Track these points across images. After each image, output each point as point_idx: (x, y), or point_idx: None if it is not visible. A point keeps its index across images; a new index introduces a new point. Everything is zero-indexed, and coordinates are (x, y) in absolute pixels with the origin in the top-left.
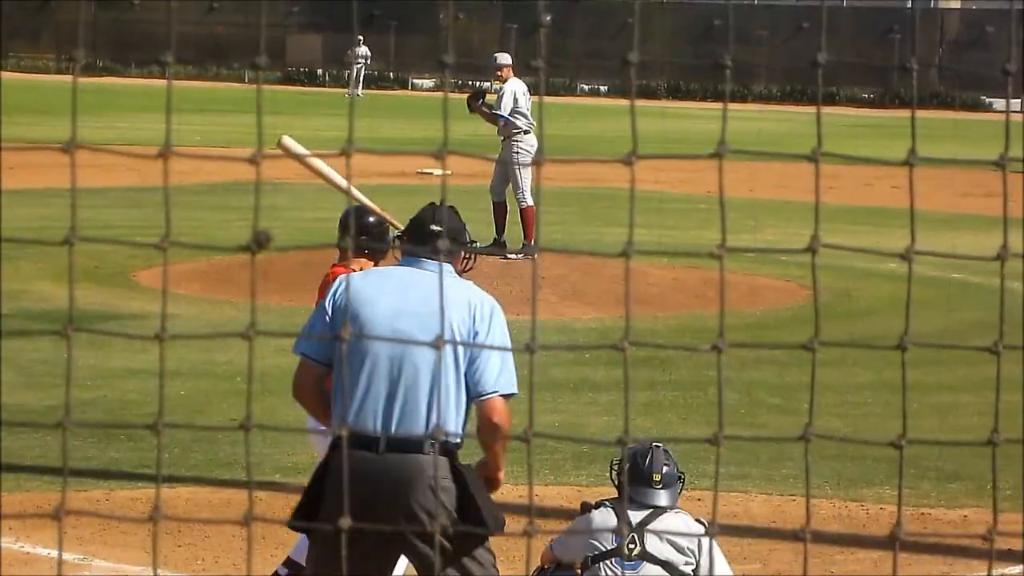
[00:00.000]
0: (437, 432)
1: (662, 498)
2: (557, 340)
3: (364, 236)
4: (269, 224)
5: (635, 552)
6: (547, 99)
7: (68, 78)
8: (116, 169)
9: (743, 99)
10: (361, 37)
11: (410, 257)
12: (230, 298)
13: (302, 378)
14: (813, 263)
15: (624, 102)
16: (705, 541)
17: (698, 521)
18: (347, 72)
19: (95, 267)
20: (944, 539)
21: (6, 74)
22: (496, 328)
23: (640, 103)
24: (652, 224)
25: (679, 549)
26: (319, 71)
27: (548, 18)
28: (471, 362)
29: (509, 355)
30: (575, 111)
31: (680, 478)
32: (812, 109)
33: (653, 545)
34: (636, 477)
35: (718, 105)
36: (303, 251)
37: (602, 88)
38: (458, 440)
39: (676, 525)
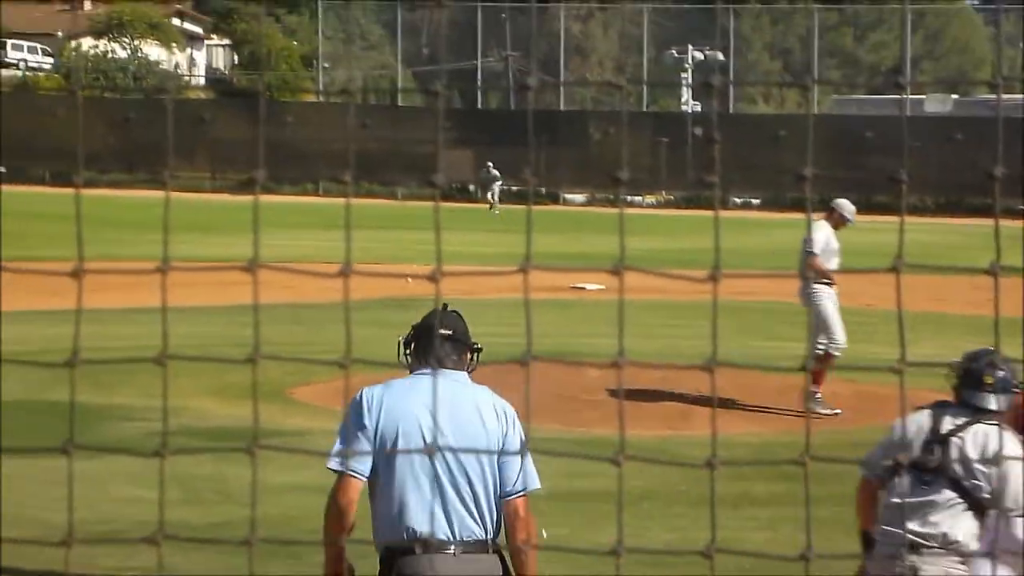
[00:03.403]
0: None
1: (991, 402)
2: (719, 455)
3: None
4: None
5: (932, 463)
6: (699, 212)
7: (224, 196)
8: (271, 286)
9: (896, 210)
10: (491, 163)
11: (428, 366)
12: None
13: (351, 493)
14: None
15: (777, 215)
16: (1011, 465)
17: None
18: (486, 190)
19: (252, 384)
20: None
21: (159, 193)
22: (518, 429)
23: (792, 215)
24: (806, 337)
25: (972, 468)
26: (471, 186)
27: (697, 132)
28: (502, 466)
29: (528, 454)
30: (726, 225)
31: (1017, 387)
32: (965, 221)
33: (956, 454)
34: (967, 378)
35: (871, 217)
36: None
37: (754, 201)
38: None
39: (991, 435)
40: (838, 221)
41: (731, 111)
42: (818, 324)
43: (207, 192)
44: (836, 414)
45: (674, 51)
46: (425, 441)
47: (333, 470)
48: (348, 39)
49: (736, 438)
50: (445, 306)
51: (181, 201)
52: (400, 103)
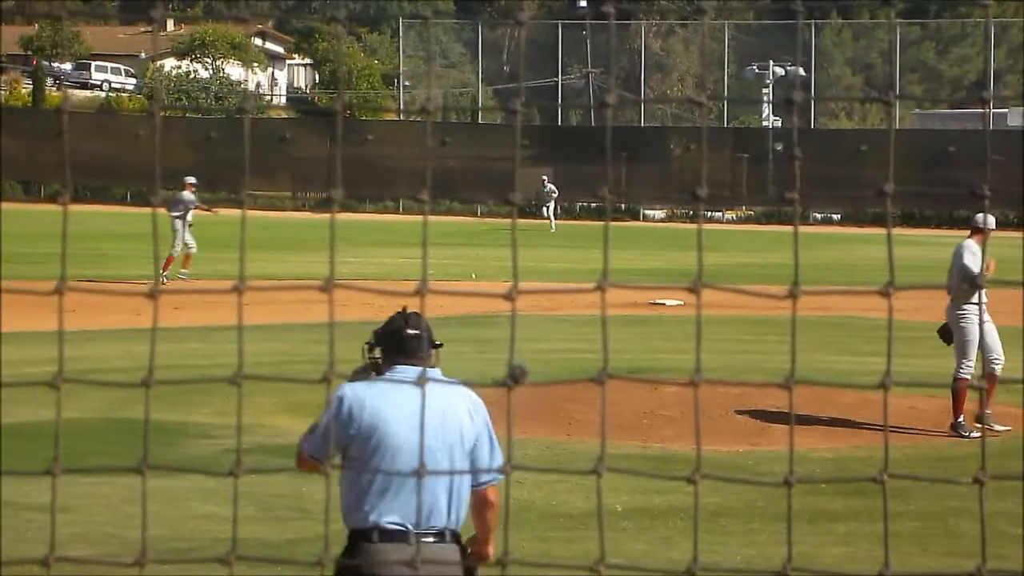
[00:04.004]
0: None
1: None
2: (795, 471)
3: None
4: (503, 356)
5: None
6: (779, 228)
7: (305, 215)
8: (350, 303)
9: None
10: (545, 176)
11: (401, 365)
12: None
13: (310, 468)
14: None
15: (857, 230)
16: None
17: None
18: (544, 207)
19: (328, 400)
20: None
21: (234, 212)
22: (487, 421)
23: (872, 230)
24: (885, 352)
25: None
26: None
27: (778, 147)
28: (475, 459)
29: (496, 439)
30: (806, 240)
31: None
32: None
33: None
34: None
35: (952, 232)
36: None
37: (835, 216)
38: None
39: None
40: (985, 237)
41: (812, 126)
42: (957, 345)
43: (288, 211)
44: (1007, 430)
45: (755, 67)
46: (409, 441)
47: (304, 451)
48: (429, 58)
49: (813, 453)
50: (404, 308)
51: (263, 219)
52: (481, 120)
